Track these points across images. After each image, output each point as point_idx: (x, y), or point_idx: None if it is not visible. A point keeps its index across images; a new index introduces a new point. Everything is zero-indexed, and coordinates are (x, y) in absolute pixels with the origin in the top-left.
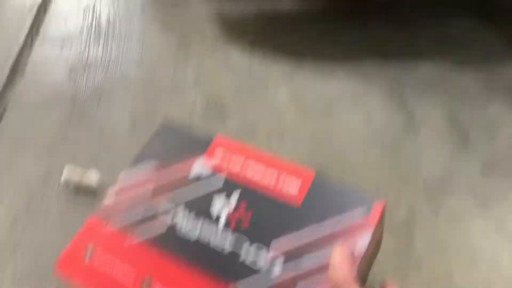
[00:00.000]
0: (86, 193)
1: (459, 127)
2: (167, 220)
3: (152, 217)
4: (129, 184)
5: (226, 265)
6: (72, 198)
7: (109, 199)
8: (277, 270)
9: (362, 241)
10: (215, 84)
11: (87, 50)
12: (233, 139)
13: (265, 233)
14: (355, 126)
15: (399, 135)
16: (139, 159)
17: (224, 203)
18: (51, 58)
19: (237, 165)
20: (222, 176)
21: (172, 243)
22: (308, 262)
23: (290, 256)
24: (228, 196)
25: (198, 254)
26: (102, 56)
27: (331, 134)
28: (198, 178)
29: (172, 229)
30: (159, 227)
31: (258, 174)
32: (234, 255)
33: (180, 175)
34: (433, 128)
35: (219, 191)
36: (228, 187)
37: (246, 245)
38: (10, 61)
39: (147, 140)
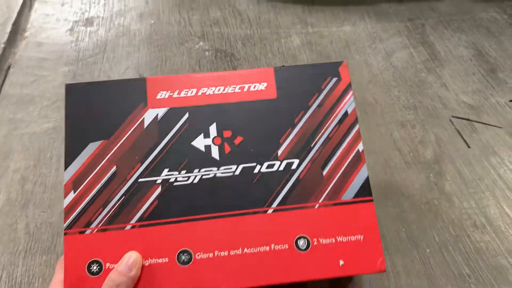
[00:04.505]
0: None
1: (486, 61)
2: (155, 190)
3: (137, 192)
4: (86, 177)
5: (243, 190)
6: None
7: (70, 203)
8: (294, 163)
9: (349, 102)
10: (223, 33)
11: (88, 6)
12: (168, 76)
13: (261, 135)
14: (375, 68)
15: (422, 72)
16: (74, 148)
17: (203, 130)
18: (52, 16)
19: (191, 94)
20: (183, 110)
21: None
22: (318, 143)
23: (298, 146)
24: (203, 121)
25: (211, 201)
26: (104, 10)
27: (352, 76)
28: (155, 128)
29: (168, 191)
30: (150, 196)
31: (219, 91)
32: (247, 177)
33: (133, 138)
34: (458, 63)
35: (190, 123)
36: (196, 114)
37: (252, 157)
38: (10, 22)
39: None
